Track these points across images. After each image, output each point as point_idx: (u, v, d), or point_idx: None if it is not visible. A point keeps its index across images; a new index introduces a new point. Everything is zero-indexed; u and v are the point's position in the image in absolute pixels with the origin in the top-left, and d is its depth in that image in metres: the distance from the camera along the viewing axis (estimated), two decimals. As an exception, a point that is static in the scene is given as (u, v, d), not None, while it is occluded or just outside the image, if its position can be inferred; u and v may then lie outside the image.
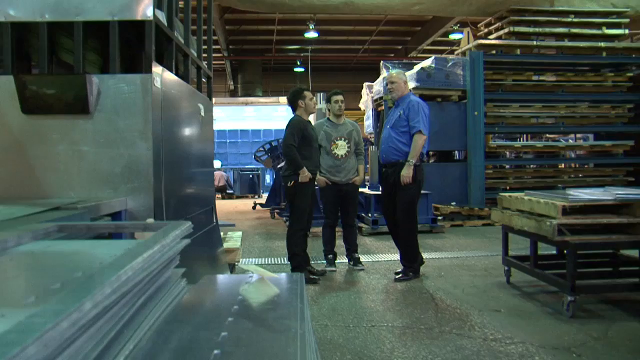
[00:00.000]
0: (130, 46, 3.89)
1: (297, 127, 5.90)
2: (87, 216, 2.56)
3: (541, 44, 11.68)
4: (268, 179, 23.14)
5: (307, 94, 6.12)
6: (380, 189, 6.53)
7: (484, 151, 11.33)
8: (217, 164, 22.04)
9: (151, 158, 3.24)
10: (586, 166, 12.84)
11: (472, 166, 11.27)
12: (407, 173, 5.88)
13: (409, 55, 23.58)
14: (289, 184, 5.92)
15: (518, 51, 11.59)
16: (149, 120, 3.24)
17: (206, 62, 5.60)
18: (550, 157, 12.66)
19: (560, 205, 4.44)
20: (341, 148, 6.58)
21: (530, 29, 11.73)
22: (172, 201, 3.62)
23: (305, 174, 5.81)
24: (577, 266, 4.46)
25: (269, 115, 25.83)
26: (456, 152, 13.43)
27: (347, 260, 6.76)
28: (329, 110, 6.75)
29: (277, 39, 22.50)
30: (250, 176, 20.55)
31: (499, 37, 11.83)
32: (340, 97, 6.67)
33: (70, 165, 3.23)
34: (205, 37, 5.66)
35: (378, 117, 13.15)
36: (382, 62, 13.24)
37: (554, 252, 5.66)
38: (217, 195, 18.82)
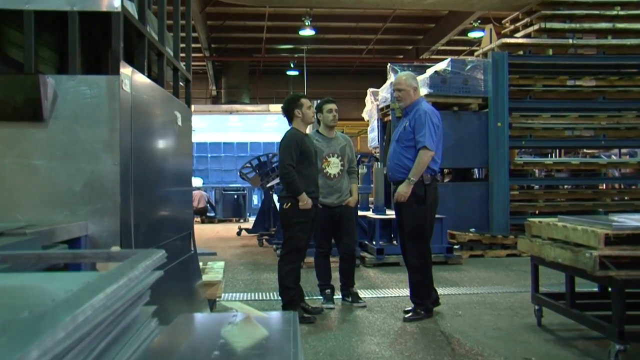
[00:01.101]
0: (93, 42, 3.88)
1: (293, 143, 5.90)
2: (38, 243, 2.52)
3: (578, 42, 11.73)
4: (256, 199, 23.14)
5: (305, 101, 6.13)
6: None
7: (509, 169, 11.35)
8: (196, 182, 22.08)
9: (118, 174, 3.22)
10: (633, 187, 12.72)
11: (495, 186, 11.28)
12: (403, 191, 5.91)
13: (421, 57, 23.77)
14: (284, 206, 5.91)
15: (550, 51, 11.66)
16: (116, 129, 3.22)
17: (184, 63, 5.60)
18: (588, 176, 12.63)
19: (602, 233, 4.40)
20: (334, 166, 6.61)
21: (566, 25, 11.76)
22: (142, 226, 3.59)
23: (305, 202, 5.81)
24: (625, 307, 4.30)
25: (257, 125, 25.93)
26: (475, 170, 13.45)
27: (344, 297, 6.73)
28: (319, 121, 6.78)
29: (267, 37, 22.66)
30: (235, 196, 20.56)
31: (527, 35, 11.91)
32: (334, 106, 6.69)
33: (18, 182, 3.19)
34: (183, 34, 5.66)
35: (384, 128, 13.19)
36: (389, 64, 13.33)
37: (596, 289, 5.61)
38: (196, 219, 18.78)
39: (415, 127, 5.94)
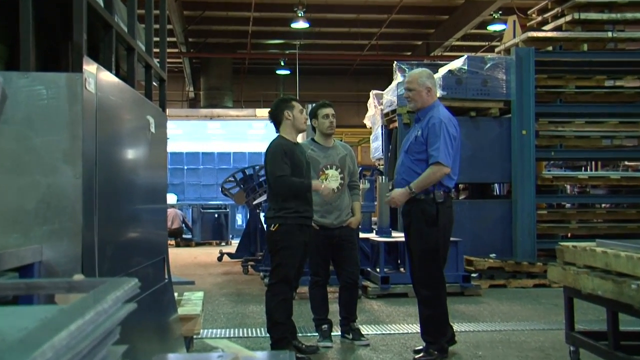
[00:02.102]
0: (51, 34, 3.87)
1: (280, 153, 5.88)
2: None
3: (619, 35, 11.74)
4: (239, 219, 23.11)
5: (296, 104, 6.13)
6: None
7: (535, 184, 11.37)
8: (171, 198, 22.04)
9: (80, 189, 3.19)
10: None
11: (519, 205, 11.28)
12: (397, 195, 5.97)
13: (432, 54, 23.87)
14: (272, 228, 5.89)
15: (585, 46, 11.67)
16: (78, 136, 3.20)
17: (158, 60, 5.59)
18: (630, 193, 12.63)
19: (649, 260, 4.39)
20: (332, 180, 6.60)
21: (604, 15, 11.74)
22: (108, 250, 3.57)
23: (322, 188, 5.97)
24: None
25: (242, 133, 25.96)
26: (496, 186, 13.47)
27: (343, 334, 6.70)
28: (314, 127, 6.78)
29: (253, 31, 22.72)
30: (216, 215, 20.55)
31: (557, 28, 11.93)
32: (330, 111, 6.69)
33: (-43, 199, 3.16)
34: (157, 25, 5.66)
35: (390, 137, 13.19)
36: (395, 63, 13.34)
37: (644, 327, 5.60)
38: (170, 242, 18.73)
39: (428, 137, 5.91)
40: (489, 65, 11.47)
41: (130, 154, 4.21)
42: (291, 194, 5.86)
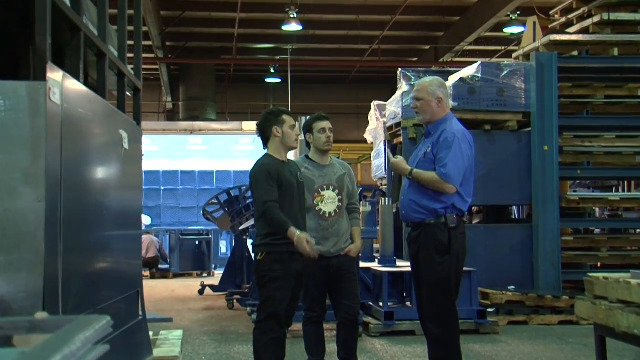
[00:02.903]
0: (10, 37, 3.87)
1: (264, 174, 5.89)
2: None
3: (655, 38, 11.74)
4: (224, 247, 23.04)
5: (287, 118, 6.11)
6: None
7: (559, 207, 11.35)
8: (145, 220, 21.99)
9: (42, 214, 3.18)
10: None
11: (541, 230, 11.26)
12: (400, 163, 6.08)
13: (442, 60, 23.92)
14: (259, 257, 5.89)
15: (615, 51, 11.68)
16: (41, 154, 3.19)
17: (132, 67, 5.59)
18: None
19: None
20: (329, 202, 6.58)
21: (637, 16, 11.69)
22: (74, 283, 3.55)
23: (300, 240, 5.75)
24: None
25: (227, 149, 25.95)
26: (514, 209, 13.46)
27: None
28: (309, 143, 6.78)
29: (239, 34, 22.76)
30: (197, 243, 20.51)
31: (584, 30, 11.95)
32: (327, 124, 6.69)
33: None
34: (131, 28, 5.67)
35: (394, 153, 13.20)
36: (399, 70, 13.36)
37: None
38: (144, 273, 18.66)
39: (438, 152, 5.92)
40: (505, 72, 11.49)
41: (101, 173, 4.20)
42: (268, 223, 5.86)
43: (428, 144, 6.05)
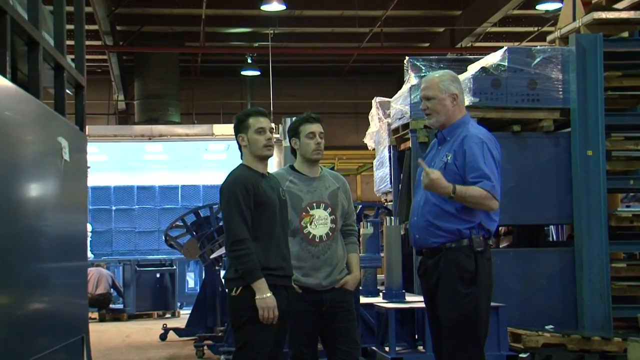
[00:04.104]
0: None
1: (240, 190, 5.91)
2: None
3: None
4: (191, 280, 22.96)
5: (253, 121, 6.12)
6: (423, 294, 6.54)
7: (607, 226, 11.32)
8: (88, 226, 21.91)
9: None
10: None
11: (585, 255, 11.21)
12: (438, 180, 5.85)
13: (459, 46, 23.89)
14: (233, 293, 5.89)
15: (678, 33, 11.68)
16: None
17: (74, 58, 5.58)
18: None
19: None
20: (320, 224, 6.57)
21: None
22: (1, 329, 3.54)
23: (266, 302, 5.78)
24: None
25: (194, 158, 25.82)
26: (551, 229, 13.43)
27: None
28: (295, 150, 6.78)
29: (208, 15, 22.75)
30: (158, 276, 20.44)
31: (636, 6, 11.93)
32: (317, 127, 6.67)
33: None
34: (71, 8, 5.66)
35: (400, 161, 13.17)
36: (407, 58, 13.31)
37: None
38: (92, 314, 18.60)
39: (465, 160, 5.95)
40: (538, 59, 11.44)
41: (34, 191, 4.19)
42: (237, 263, 5.89)
43: (446, 152, 6.06)
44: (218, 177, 23.92)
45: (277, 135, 12.34)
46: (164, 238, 15.09)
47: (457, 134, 6.04)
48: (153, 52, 24.81)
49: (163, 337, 14.97)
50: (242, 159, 6.18)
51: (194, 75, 27.32)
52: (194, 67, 27.20)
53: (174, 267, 20.60)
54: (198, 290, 15.87)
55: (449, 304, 5.93)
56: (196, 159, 25.92)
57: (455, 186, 5.82)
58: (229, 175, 6.08)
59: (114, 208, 25.65)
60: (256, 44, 24.93)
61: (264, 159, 6.17)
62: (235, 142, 6.21)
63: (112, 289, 20.33)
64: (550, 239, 13.77)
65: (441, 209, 5.97)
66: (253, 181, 5.95)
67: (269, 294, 5.76)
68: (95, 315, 19.37)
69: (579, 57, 11.30)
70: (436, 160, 6.13)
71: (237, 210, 5.84)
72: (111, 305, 20.34)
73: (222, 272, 13.21)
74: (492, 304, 6.54)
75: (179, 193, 25.82)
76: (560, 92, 11.37)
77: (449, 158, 5.97)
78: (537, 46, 11.99)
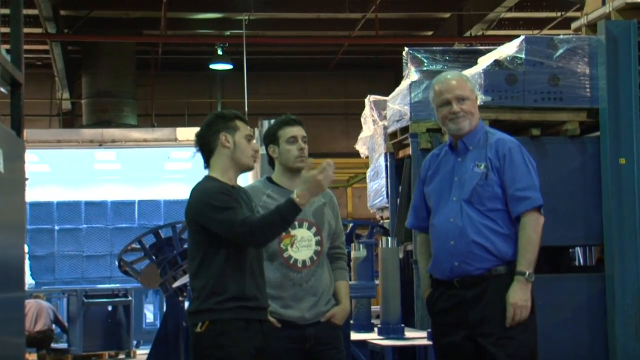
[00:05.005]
0: None
1: (218, 193, 5.87)
2: None
3: None
4: (150, 313, 22.92)
5: (242, 125, 6.13)
6: (432, 336, 6.59)
7: (645, 247, 11.36)
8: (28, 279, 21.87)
9: None
10: None
11: (617, 281, 11.22)
12: (523, 298, 5.96)
13: (467, 35, 23.94)
14: (198, 329, 5.87)
15: None
16: None
17: (8, 50, 5.58)
18: None
19: None
20: (303, 246, 6.59)
21: None
22: None
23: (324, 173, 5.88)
24: None
25: (154, 168, 25.79)
26: (577, 250, 13.47)
27: None
28: (273, 160, 6.81)
29: (170, -2, 22.82)
30: (110, 309, 20.41)
31: (676, -12, 12.01)
32: (299, 131, 6.71)
33: None
34: (4, -11, 5.67)
35: (399, 172, 13.18)
36: (406, 50, 13.34)
37: None
38: (30, 355, 18.54)
39: (505, 172, 6.05)
40: (561, 51, 11.46)
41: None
42: (266, 235, 5.88)
43: (476, 162, 6.12)
44: (182, 191, 23.94)
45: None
46: (117, 263, 15.06)
47: (483, 140, 6.15)
48: (104, 41, 24.77)
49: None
50: (205, 168, 6.17)
51: (153, 69, 27.35)
52: (154, 60, 27.24)
53: (129, 298, 20.51)
54: (158, 325, 15.86)
55: (514, 340, 6.01)
56: (156, 169, 25.87)
57: (520, 272, 6.01)
58: (196, 190, 6.03)
59: (57, 228, 25.56)
60: (228, 33, 24.95)
61: (246, 170, 6.18)
62: (200, 150, 6.17)
63: (54, 325, 20.14)
64: (577, 263, 13.80)
65: (490, 229, 6.04)
66: (222, 191, 5.94)
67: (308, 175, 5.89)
68: (34, 356, 19.29)
69: (610, 47, 11.31)
70: (459, 174, 6.15)
71: (225, 204, 5.82)
72: (53, 345, 20.22)
73: (187, 304, 13.16)
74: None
75: (136, 210, 25.76)
76: (587, 90, 11.38)
77: (480, 167, 6.05)
78: (559, 35, 12.01)
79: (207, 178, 6.06)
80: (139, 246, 14.49)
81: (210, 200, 5.88)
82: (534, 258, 5.98)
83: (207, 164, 6.13)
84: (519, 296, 5.92)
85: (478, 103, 10.58)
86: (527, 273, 5.94)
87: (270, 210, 5.83)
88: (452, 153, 6.29)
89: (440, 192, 6.23)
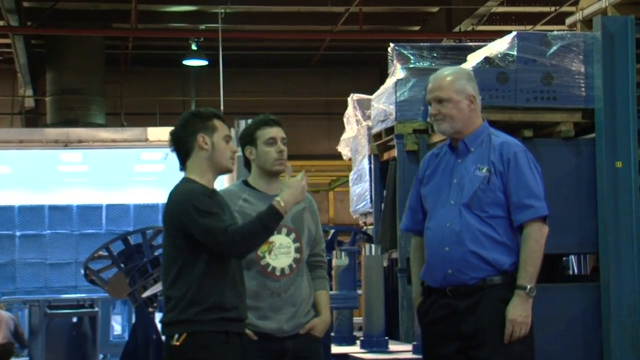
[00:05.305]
0: None
1: (201, 196, 5.84)
2: None
3: None
4: (118, 325, 22.85)
5: (220, 125, 6.10)
6: (422, 348, 6.59)
7: (643, 255, 11.38)
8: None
9: None
10: None
11: (614, 292, 11.22)
12: (523, 314, 5.94)
13: (456, 30, 23.97)
14: (174, 341, 5.83)
15: None
16: None
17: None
18: None
19: None
20: (282, 253, 6.58)
21: None
22: None
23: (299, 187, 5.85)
24: None
25: (123, 170, 25.72)
26: (571, 259, 13.49)
27: None
28: (249, 161, 6.80)
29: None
30: (75, 320, 20.33)
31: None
32: (278, 132, 6.69)
33: None
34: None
35: (383, 175, 13.17)
36: (391, 45, 13.32)
37: None
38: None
39: (509, 177, 6.04)
40: (555, 47, 11.46)
41: None
42: (250, 243, 5.84)
43: (477, 165, 6.11)
44: (153, 194, 23.92)
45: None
46: (82, 272, 15.01)
47: (486, 141, 6.15)
48: (70, 35, 24.68)
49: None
50: (181, 170, 6.11)
51: (123, 65, 27.32)
52: (123, 55, 27.21)
53: (96, 308, 20.47)
54: (126, 338, 15.81)
55: (510, 355, 6.02)
56: (125, 171, 25.72)
57: (521, 285, 5.96)
58: (176, 193, 5.99)
59: (18, 234, 25.41)
60: (202, 27, 24.90)
61: (224, 172, 6.15)
62: (174, 151, 6.12)
63: (13, 338, 20.01)
64: (571, 272, 13.81)
65: (489, 237, 6.04)
66: (211, 197, 5.93)
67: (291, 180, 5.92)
68: (-11, 372, 19.25)
69: (606, 45, 11.32)
70: (458, 176, 6.15)
71: (203, 213, 5.76)
72: (14, 359, 20.13)
73: (158, 315, 13.08)
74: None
75: (103, 214, 25.61)
76: (583, 89, 11.37)
77: (482, 171, 6.04)
78: (553, 31, 12.01)
79: (186, 180, 6.02)
80: (106, 253, 14.46)
81: (194, 201, 5.83)
82: (536, 272, 5.96)
83: (182, 166, 6.08)
84: (518, 312, 5.90)
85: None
86: (529, 287, 5.90)
87: (252, 219, 5.80)
88: (452, 153, 6.28)
89: (437, 194, 6.23)
